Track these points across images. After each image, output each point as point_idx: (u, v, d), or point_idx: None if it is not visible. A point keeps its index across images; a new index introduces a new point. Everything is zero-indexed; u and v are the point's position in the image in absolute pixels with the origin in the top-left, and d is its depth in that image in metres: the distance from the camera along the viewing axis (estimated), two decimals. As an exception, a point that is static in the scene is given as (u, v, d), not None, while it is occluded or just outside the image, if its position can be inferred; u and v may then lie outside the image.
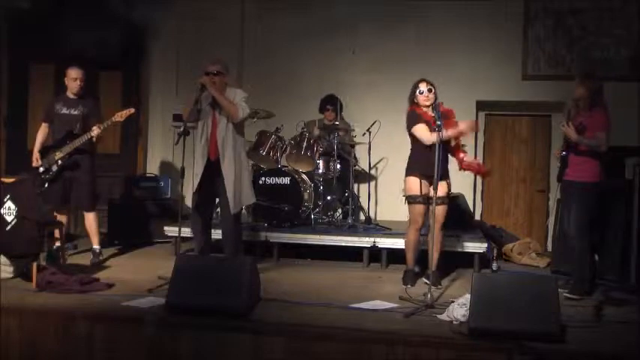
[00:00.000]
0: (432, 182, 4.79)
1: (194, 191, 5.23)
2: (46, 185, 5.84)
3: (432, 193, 4.84)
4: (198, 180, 5.19)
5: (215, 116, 5.24)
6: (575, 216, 4.91)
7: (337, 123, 7.09)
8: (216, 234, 5.65)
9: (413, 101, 5.10)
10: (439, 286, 5.05)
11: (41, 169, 5.87)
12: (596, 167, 4.89)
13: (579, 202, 4.90)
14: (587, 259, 4.98)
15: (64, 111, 5.94)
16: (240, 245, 5.44)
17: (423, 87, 5.04)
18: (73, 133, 5.82)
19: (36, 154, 5.94)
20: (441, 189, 4.86)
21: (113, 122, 5.79)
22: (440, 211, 4.98)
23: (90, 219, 6.01)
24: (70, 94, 5.97)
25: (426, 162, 4.87)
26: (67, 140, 5.83)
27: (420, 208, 5.06)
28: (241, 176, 5.30)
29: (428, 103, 5.01)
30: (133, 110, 5.86)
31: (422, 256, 5.31)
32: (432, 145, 4.73)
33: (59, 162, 5.84)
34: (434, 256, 4.99)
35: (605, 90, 5.00)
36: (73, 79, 5.91)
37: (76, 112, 5.92)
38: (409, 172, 5.11)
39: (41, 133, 6.04)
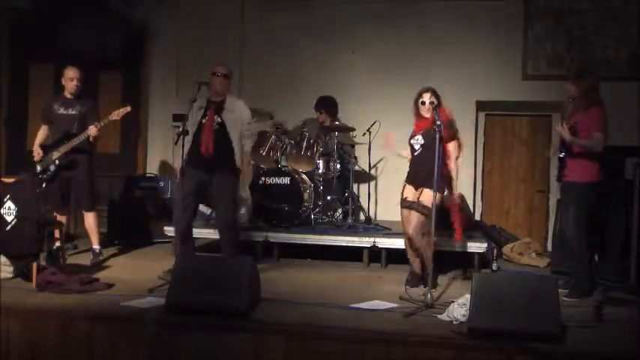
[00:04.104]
0: (417, 189, 5.07)
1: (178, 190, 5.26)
2: (44, 185, 5.82)
3: (415, 198, 5.01)
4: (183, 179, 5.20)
5: (212, 115, 5.26)
6: (574, 216, 4.91)
7: (337, 123, 7.09)
8: (217, 234, 5.65)
9: (416, 108, 5.12)
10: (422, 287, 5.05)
11: (39, 169, 5.87)
12: (594, 167, 4.89)
13: (577, 203, 4.90)
14: (587, 260, 4.98)
15: (62, 111, 5.93)
16: (237, 246, 5.44)
17: (425, 98, 5.04)
18: (70, 133, 5.82)
19: (37, 149, 5.93)
20: (414, 194, 5.07)
21: (110, 120, 5.78)
22: (413, 217, 5.02)
23: (89, 219, 6.01)
24: (67, 94, 5.96)
25: (413, 170, 5.18)
26: (64, 140, 5.83)
27: (402, 211, 5.19)
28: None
29: (428, 115, 5.03)
30: (129, 108, 5.83)
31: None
32: (420, 155, 5.07)
33: (56, 162, 5.84)
34: (425, 261, 5.04)
35: (603, 89, 5.00)
36: (70, 78, 5.90)
37: (73, 112, 5.91)
38: (405, 179, 5.29)
39: (41, 134, 6.04)
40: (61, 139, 5.86)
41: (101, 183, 6.58)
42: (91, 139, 5.80)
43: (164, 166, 8.30)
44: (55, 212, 5.93)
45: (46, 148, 5.94)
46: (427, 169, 4.85)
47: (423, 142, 5.06)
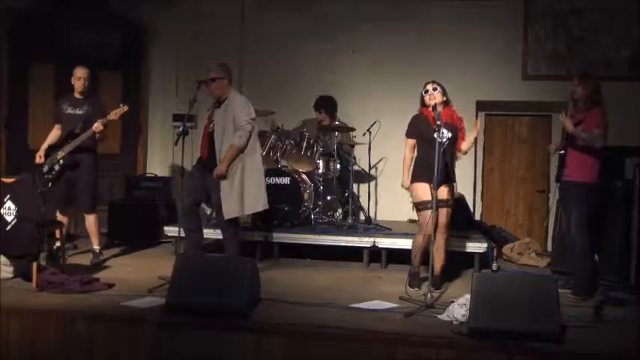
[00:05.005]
0: (439, 186, 4.84)
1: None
2: (50, 185, 5.84)
3: (439, 196, 4.88)
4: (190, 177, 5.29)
5: (211, 118, 5.30)
6: (576, 216, 4.90)
7: (337, 123, 7.09)
8: (217, 234, 5.66)
9: (422, 102, 5.13)
10: (440, 289, 5.04)
11: (45, 169, 5.88)
12: (595, 167, 4.88)
13: (579, 203, 4.89)
14: (589, 260, 4.97)
15: (70, 111, 5.96)
16: (239, 244, 5.46)
17: (428, 87, 5.08)
18: (74, 132, 5.83)
19: (40, 152, 5.94)
20: (444, 192, 4.95)
21: (108, 120, 5.78)
22: (443, 213, 4.97)
23: (90, 219, 6.00)
24: (76, 94, 5.99)
25: (431, 168, 4.78)
26: (69, 140, 5.84)
27: (425, 214, 4.94)
28: (243, 182, 5.27)
29: (432, 102, 5.03)
30: (126, 108, 5.83)
31: (426, 258, 5.26)
32: (446, 149, 4.88)
33: (61, 161, 5.85)
34: (437, 259, 4.98)
35: (603, 89, 5.01)
36: (78, 78, 5.93)
37: (80, 112, 5.93)
38: (417, 178, 5.02)
39: (52, 134, 6.04)
40: (65, 138, 5.87)
41: (101, 183, 6.57)
42: (96, 136, 5.79)
43: (164, 166, 8.30)
44: (59, 212, 5.93)
45: (51, 148, 5.94)
46: (449, 164, 4.97)
47: (450, 135, 4.94)
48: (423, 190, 4.97)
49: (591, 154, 4.86)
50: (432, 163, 4.67)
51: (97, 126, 5.70)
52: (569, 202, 4.97)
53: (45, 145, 5.98)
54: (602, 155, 4.87)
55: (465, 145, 5.11)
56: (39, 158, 5.91)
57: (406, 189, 5.14)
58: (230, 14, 8.14)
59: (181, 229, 5.45)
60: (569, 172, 4.95)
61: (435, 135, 4.62)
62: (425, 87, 5.11)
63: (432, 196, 4.77)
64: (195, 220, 5.43)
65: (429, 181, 4.86)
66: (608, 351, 3.68)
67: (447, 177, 4.97)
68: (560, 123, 4.96)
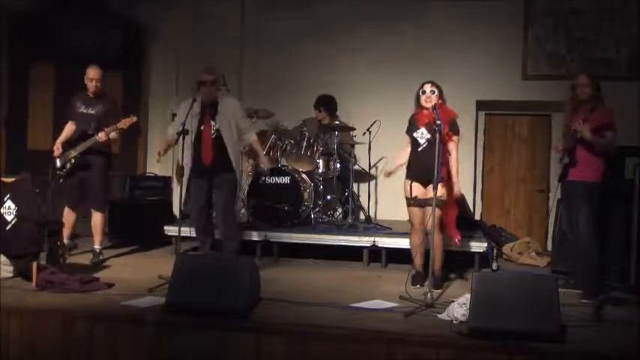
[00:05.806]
0: (425, 186, 4.98)
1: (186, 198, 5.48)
2: (62, 181, 5.86)
3: (426, 195, 4.93)
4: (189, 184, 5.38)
5: (208, 122, 5.30)
6: (585, 216, 4.87)
7: (337, 122, 7.09)
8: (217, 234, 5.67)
9: (418, 102, 5.12)
10: (439, 289, 5.03)
11: (58, 164, 5.88)
12: (602, 168, 4.88)
13: (588, 202, 4.87)
14: (597, 258, 4.94)
15: (82, 110, 5.94)
16: (238, 245, 5.52)
17: (426, 88, 5.07)
18: (87, 133, 5.82)
19: (57, 144, 5.91)
20: (431, 191, 4.93)
21: (117, 129, 5.77)
22: (436, 213, 4.96)
23: (97, 218, 6.01)
24: (89, 93, 5.96)
25: (419, 166, 5.03)
26: (81, 140, 5.84)
27: (413, 210, 5.13)
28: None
29: (428, 105, 5.02)
30: (135, 119, 5.85)
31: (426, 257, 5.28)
32: (426, 150, 4.97)
33: (72, 161, 5.85)
34: (435, 259, 4.98)
35: (603, 89, 5.01)
36: (90, 79, 5.88)
37: (92, 112, 5.90)
38: (406, 175, 5.20)
39: (66, 130, 6.00)
40: (79, 138, 5.86)
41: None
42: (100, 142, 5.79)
43: (164, 165, 8.29)
44: (69, 208, 5.93)
45: (66, 144, 5.92)
46: (434, 164, 4.87)
47: (428, 136, 5.00)
48: (408, 188, 5.13)
49: (599, 154, 4.85)
50: (422, 164, 4.95)
51: (101, 136, 5.69)
52: (578, 202, 4.93)
53: (61, 139, 5.95)
54: (609, 155, 4.88)
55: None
56: (57, 151, 5.89)
57: (386, 174, 5.36)
58: (230, 14, 8.14)
59: (182, 230, 5.46)
60: (576, 172, 4.93)
61: (436, 134, 4.64)
62: (422, 87, 5.09)
63: (412, 194, 5.06)
64: (208, 222, 5.56)
65: (416, 180, 5.07)
66: (608, 351, 3.68)
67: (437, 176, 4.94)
68: (564, 127, 4.94)
